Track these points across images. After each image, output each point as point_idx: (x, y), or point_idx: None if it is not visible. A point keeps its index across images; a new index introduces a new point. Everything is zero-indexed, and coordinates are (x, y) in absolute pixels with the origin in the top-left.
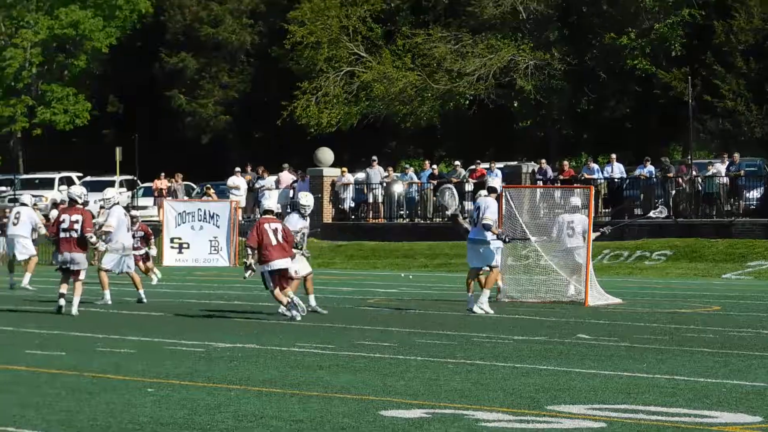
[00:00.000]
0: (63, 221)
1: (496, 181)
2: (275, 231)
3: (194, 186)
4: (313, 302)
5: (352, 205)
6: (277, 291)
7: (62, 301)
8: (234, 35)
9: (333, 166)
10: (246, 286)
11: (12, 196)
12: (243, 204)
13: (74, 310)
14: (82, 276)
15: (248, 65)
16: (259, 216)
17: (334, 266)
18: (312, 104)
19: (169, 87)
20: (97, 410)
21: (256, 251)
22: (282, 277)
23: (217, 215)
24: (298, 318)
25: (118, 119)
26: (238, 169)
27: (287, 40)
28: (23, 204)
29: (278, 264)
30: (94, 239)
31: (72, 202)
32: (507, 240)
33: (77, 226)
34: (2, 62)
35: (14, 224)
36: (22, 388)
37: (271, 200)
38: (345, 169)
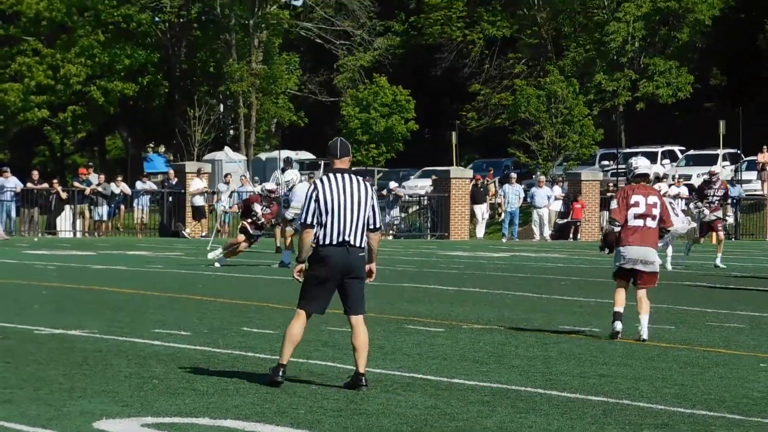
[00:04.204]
0: (636, 203)
1: None
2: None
3: None
4: None
5: None
6: None
7: (618, 326)
8: None
9: None
10: None
11: (615, 170)
12: None
13: (644, 334)
14: (654, 283)
15: None
16: None
17: None
18: None
19: None
20: (710, 384)
21: None
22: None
23: None
24: None
25: (720, 91)
26: None
27: None
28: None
29: None
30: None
31: (642, 177)
32: None
33: (656, 212)
34: (605, 37)
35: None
36: (636, 362)
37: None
38: None
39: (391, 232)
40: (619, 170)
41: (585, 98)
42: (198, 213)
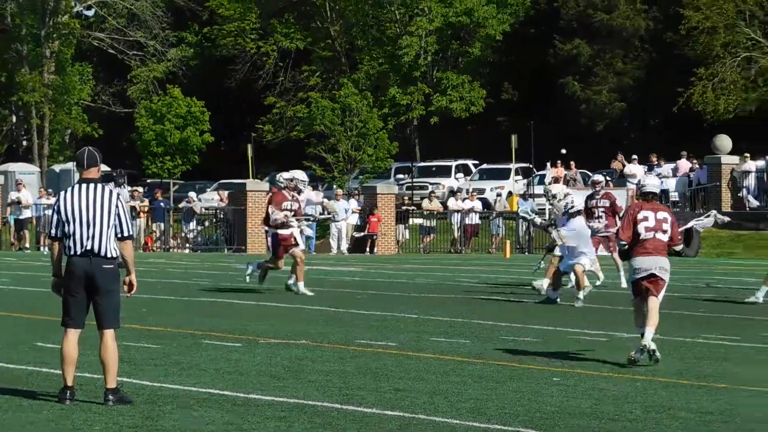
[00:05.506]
0: (645, 218)
1: None
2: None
3: (590, 174)
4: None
5: (756, 194)
6: None
7: (650, 344)
8: (628, 21)
9: (731, 153)
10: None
11: (410, 184)
12: None
13: (653, 346)
14: (662, 293)
15: (643, 51)
16: None
17: (735, 256)
18: (708, 90)
19: (562, 74)
20: (504, 398)
21: None
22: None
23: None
24: None
25: (512, 106)
26: (635, 156)
27: (682, 26)
28: None
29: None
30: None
31: (649, 195)
32: None
33: (665, 226)
34: (398, 50)
35: None
36: (432, 376)
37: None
38: (748, 155)
39: (187, 245)
40: (414, 183)
41: (380, 112)
42: (19, 226)
